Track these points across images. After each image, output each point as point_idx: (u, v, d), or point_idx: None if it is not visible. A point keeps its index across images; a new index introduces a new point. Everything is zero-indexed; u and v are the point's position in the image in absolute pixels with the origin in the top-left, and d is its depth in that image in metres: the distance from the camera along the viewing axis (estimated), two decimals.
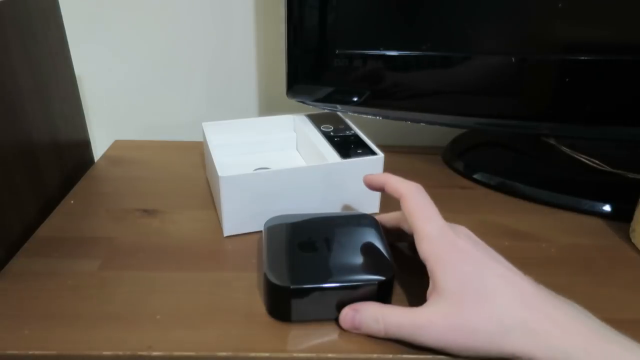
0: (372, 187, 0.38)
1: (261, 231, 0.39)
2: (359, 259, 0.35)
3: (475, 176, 0.53)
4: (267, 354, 0.31)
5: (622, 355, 0.26)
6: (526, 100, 0.48)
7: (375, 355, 0.31)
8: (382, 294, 0.33)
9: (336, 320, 0.33)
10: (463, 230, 0.34)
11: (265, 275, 0.33)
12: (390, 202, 0.38)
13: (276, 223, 0.39)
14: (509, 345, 0.28)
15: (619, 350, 0.26)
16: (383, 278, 0.33)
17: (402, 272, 0.34)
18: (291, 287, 0.32)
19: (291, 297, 0.32)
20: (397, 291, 0.35)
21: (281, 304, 0.33)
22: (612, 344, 0.27)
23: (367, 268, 0.34)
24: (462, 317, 0.29)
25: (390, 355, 0.31)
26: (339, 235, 0.37)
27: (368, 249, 0.36)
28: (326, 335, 0.32)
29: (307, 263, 0.34)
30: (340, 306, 0.33)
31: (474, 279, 0.30)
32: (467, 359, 0.30)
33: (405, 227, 0.38)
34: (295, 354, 0.31)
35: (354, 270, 0.34)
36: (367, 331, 0.32)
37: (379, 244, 0.36)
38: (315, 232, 0.37)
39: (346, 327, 0.32)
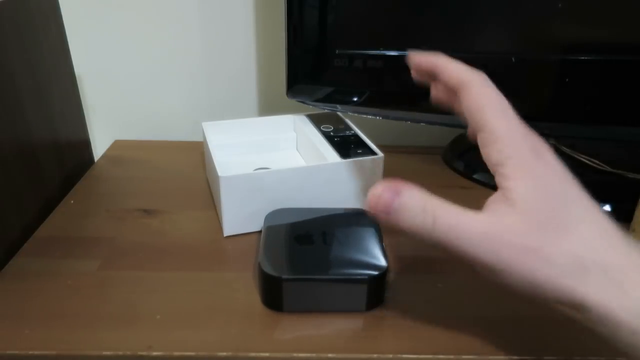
0: (419, 69, 0.31)
1: (261, 231, 0.39)
2: (353, 254, 0.35)
3: (475, 176, 0.53)
4: (267, 354, 0.31)
5: None
6: (526, 100, 0.48)
7: (375, 355, 0.31)
8: (373, 290, 0.34)
9: (328, 312, 0.33)
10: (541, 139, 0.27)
11: (259, 264, 0.34)
12: None
13: (276, 215, 0.40)
14: (580, 289, 0.23)
15: None
16: (375, 273, 0.33)
17: (400, 271, 0.34)
18: (283, 277, 0.33)
19: (283, 287, 0.33)
20: (394, 291, 0.35)
21: (273, 294, 0.34)
22: None
23: (360, 263, 0.34)
24: (536, 240, 0.24)
25: (390, 355, 0.31)
26: (336, 230, 0.37)
27: (363, 245, 0.36)
28: (326, 336, 0.32)
29: (301, 255, 0.35)
30: (331, 299, 0.33)
31: (559, 200, 0.25)
32: (517, 294, 0.25)
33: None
34: (295, 354, 0.31)
35: (347, 264, 0.34)
36: (406, 221, 0.25)
37: (375, 241, 0.37)
38: (314, 226, 0.38)
39: (376, 210, 0.26)
